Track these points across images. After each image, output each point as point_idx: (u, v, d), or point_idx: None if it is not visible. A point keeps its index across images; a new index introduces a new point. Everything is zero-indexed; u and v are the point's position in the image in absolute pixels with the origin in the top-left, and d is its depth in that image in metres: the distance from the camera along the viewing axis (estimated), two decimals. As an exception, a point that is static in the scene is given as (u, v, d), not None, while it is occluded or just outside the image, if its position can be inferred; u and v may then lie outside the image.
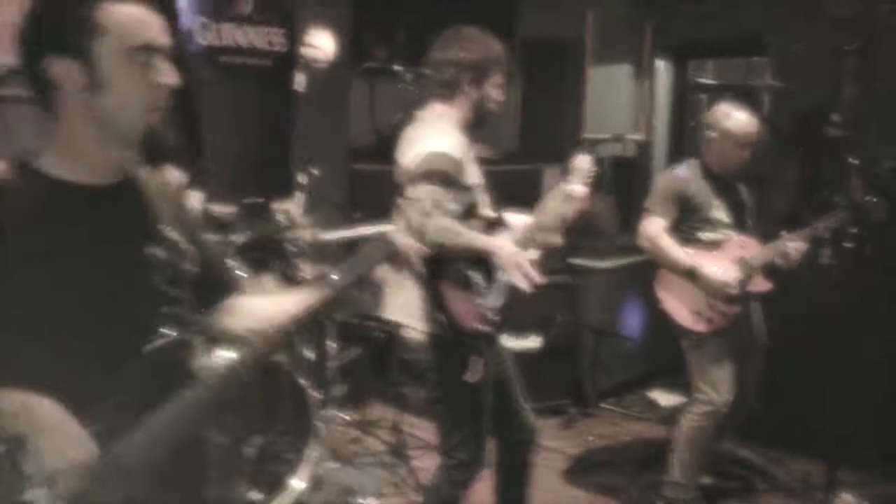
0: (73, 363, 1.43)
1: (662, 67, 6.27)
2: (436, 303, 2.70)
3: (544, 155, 6.16)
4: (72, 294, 1.44)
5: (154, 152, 1.55)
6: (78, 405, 1.41)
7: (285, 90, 5.27)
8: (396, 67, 4.58)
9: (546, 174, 6.01)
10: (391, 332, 4.77)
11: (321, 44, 5.54)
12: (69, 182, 1.48)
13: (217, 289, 1.73)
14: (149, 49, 1.45)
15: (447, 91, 2.82)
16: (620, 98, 6.29)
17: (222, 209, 4.16)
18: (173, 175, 4.00)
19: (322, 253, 4.49)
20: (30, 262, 1.42)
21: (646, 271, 3.86)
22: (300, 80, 4.90)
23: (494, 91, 2.86)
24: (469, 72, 2.79)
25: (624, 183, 5.94)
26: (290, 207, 4.47)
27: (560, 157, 6.16)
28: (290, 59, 5.30)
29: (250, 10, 5.12)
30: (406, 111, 4.24)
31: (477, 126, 2.88)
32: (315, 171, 4.57)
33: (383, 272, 1.67)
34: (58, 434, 1.36)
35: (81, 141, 1.47)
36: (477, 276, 2.74)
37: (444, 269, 2.70)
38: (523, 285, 2.61)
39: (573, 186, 2.83)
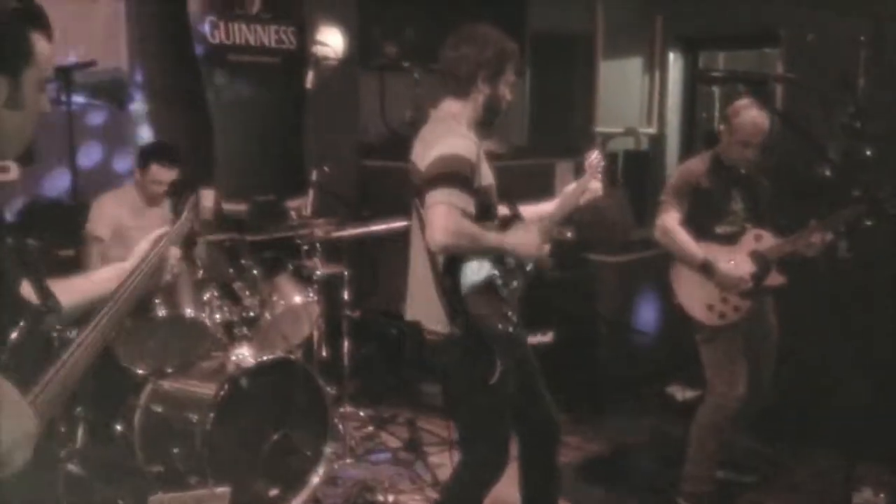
0: None
1: (673, 60, 6.23)
2: (457, 305, 2.68)
3: (555, 149, 6.13)
4: None
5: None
6: None
7: (295, 87, 5.29)
8: (406, 64, 4.57)
9: (557, 168, 5.99)
10: (405, 329, 4.78)
11: (330, 41, 5.55)
12: None
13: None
14: (48, 81, 1.64)
15: (462, 88, 2.81)
16: (632, 91, 6.26)
17: (235, 207, 4.17)
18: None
19: (334, 250, 4.49)
20: None
21: (660, 265, 3.84)
22: (310, 78, 4.91)
23: (507, 89, 2.86)
24: (484, 69, 2.79)
25: (637, 177, 5.92)
26: (302, 205, 4.48)
27: (571, 152, 6.17)
28: (299, 57, 5.31)
29: (259, 8, 5.12)
30: (417, 108, 4.26)
31: (488, 124, 2.88)
32: (326, 169, 4.57)
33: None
34: (8, 409, 1.41)
35: None
36: (497, 277, 2.73)
37: (464, 269, 2.67)
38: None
39: (586, 181, 2.94)
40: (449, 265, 2.67)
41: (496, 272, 2.72)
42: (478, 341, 2.70)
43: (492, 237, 2.70)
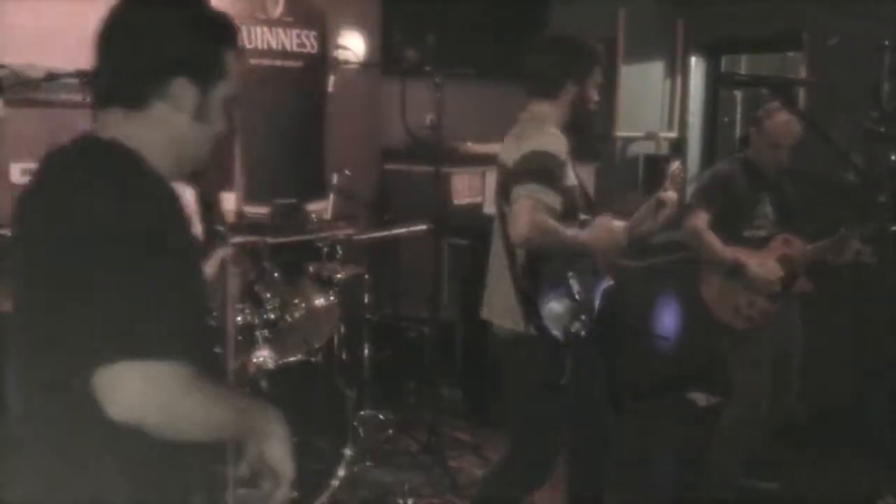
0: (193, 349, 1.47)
1: (695, 64, 6.20)
2: (534, 305, 2.68)
3: (575, 153, 6.10)
4: (191, 274, 1.56)
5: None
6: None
7: (317, 91, 5.31)
8: (427, 68, 4.56)
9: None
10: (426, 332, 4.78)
11: (352, 45, 5.57)
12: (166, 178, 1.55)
13: None
14: (234, 101, 1.59)
15: (551, 91, 2.84)
16: (653, 95, 6.23)
17: (256, 210, 4.18)
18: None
19: (355, 253, 4.50)
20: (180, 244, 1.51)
21: (682, 270, 3.81)
22: (331, 82, 4.92)
23: (593, 90, 2.89)
24: (574, 72, 2.83)
25: (657, 181, 5.88)
26: (323, 208, 4.49)
27: (591, 156, 6.14)
28: (321, 61, 5.32)
29: (281, 12, 5.14)
30: (437, 112, 4.26)
31: (575, 126, 2.89)
32: (347, 172, 4.58)
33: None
34: (284, 439, 1.49)
35: (168, 150, 1.54)
36: (574, 280, 2.73)
37: (543, 269, 2.69)
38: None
39: (667, 193, 2.94)
40: (529, 265, 2.67)
41: (574, 275, 2.72)
42: (551, 343, 2.69)
43: (572, 234, 2.71)
